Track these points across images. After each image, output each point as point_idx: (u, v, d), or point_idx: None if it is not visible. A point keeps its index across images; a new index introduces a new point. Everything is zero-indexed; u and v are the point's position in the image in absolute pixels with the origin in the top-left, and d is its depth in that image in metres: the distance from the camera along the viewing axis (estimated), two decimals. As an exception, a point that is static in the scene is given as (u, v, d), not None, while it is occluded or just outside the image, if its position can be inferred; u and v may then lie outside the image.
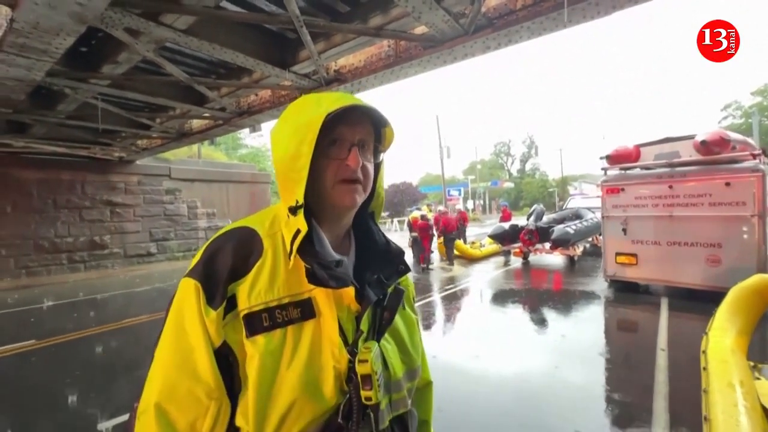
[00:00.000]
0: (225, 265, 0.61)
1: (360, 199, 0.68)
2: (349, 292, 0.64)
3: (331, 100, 0.64)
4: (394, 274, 0.73)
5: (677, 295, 5.79)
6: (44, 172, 10.87)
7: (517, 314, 5.65)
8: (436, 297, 6.79)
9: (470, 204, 37.71)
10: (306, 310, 0.62)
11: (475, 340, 4.61)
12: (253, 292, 0.60)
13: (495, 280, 8.30)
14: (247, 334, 0.59)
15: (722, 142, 5.16)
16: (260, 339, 0.58)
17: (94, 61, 5.55)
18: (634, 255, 5.98)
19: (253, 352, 0.58)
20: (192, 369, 0.57)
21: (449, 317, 5.73)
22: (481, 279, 8.42)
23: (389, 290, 0.71)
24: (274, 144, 0.68)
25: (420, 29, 4.75)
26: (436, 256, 10.67)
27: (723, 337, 2.88)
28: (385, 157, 0.77)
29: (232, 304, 0.60)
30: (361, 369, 0.60)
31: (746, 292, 3.40)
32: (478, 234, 16.58)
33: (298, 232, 0.62)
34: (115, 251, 12.23)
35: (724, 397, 2.19)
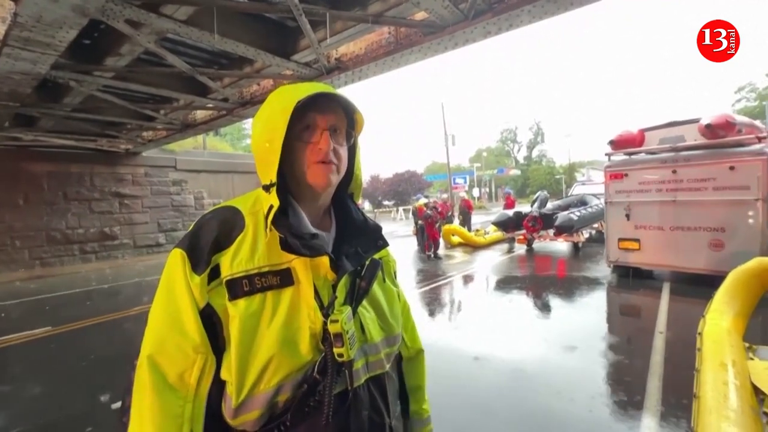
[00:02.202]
0: (209, 237, 0.68)
1: (334, 179, 0.74)
2: (324, 261, 0.70)
3: (304, 89, 0.70)
4: (372, 248, 0.80)
5: (680, 280, 5.79)
6: (54, 165, 11.04)
7: (518, 299, 5.70)
8: (440, 283, 6.86)
9: (476, 192, 37.50)
10: (285, 278, 0.69)
11: (476, 324, 4.69)
12: (234, 261, 0.67)
13: (498, 266, 8.35)
14: (229, 297, 0.66)
15: (727, 126, 5.08)
16: (241, 302, 0.65)
17: (97, 53, 5.60)
18: (637, 240, 5.97)
19: (235, 313, 0.65)
20: (180, 326, 0.64)
21: (452, 303, 5.81)
22: (484, 266, 8.48)
23: (367, 263, 0.78)
24: (253, 131, 0.75)
25: (420, 15, 4.72)
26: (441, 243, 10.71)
27: (720, 319, 2.90)
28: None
29: (216, 272, 0.67)
30: (332, 328, 0.67)
31: (745, 276, 3.41)
32: (483, 222, 16.56)
33: (271, 207, 0.70)
34: (125, 242, 12.47)
35: (715, 376, 2.22)
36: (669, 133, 5.93)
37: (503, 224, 10.01)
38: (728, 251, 5.05)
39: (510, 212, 10.15)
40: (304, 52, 5.59)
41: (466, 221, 13.85)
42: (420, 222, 10.18)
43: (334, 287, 0.72)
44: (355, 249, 0.77)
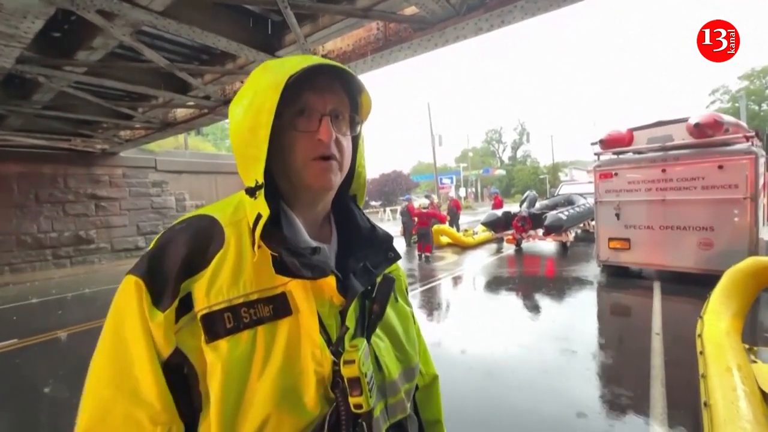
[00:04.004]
0: (176, 258, 0.51)
1: (336, 179, 0.59)
2: (330, 282, 0.54)
3: (296, 62, 0.54)
4: (383, 262, 0.64)
5: (669, 279, 5.81)
6: (24, 165, 10.51)
7: (509, 300, 5.63)
8: (432, 284, 6.75)
9: (462, 192, 37.75)
10: (280, 306, 0.53)
11: (470, 326, 4.58)
12: (212, 288, 0.51)
13: (488, 267, 8.29)
14: (206, 338, 0.49)
15: (715, 125, 5.12)
16: (223, 344, 0.49)
17: (68, 47, 5.27)
18: (626, 240, 5.98)
19: (215, 360, 0.48)
20: (131, 387, 0.47)
21: (444, 304, 5.70)
22: (474, 266, 8.41)
23: (377, 280, 0.62)
24: (231, 118, 0.57)
25: (410, 10, 4.59)
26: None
27: (718, 320, 2.86)
28: (369, 146, 0.67)
29: (187, 305, 0.50)
30: (347, 371, 0.51)
31: (740, 275, 3.39)
32: (471, 222, 16.58)
33: (259, 217, 0.52)
34: (102, 246, 11.96)
35: (722, 382, 2.16)
36: (657, 132, 5.95)
37: (492, 224, 9.98)
38: (717, 250, 5.08)
39: (499, 212, 10.14)
40: (289, 48, 5.39)
41: (453, 221, 13.87)
42: (415, 222, 10.19)
43: (342, 314, 0.56)
44: (364, 264, 0.61)
